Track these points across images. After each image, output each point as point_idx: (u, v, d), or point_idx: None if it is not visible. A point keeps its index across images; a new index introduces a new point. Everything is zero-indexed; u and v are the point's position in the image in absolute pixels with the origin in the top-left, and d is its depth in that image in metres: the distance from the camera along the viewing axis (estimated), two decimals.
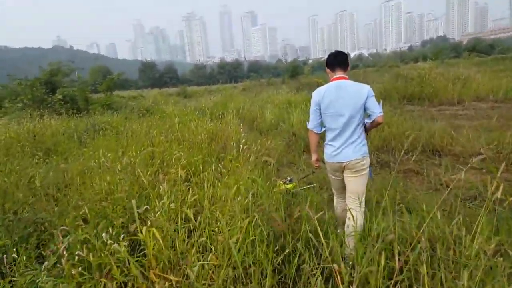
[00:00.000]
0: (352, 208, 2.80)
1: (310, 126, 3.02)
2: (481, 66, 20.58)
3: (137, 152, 4.59)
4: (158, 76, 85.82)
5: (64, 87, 15.62)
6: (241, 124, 8.22)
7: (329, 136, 2.95)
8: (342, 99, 2.79)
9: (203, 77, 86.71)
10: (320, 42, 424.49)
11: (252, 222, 2.23)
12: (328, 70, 3.01)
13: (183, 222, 2.40)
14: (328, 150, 2.97)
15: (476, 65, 24.20)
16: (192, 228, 2.42)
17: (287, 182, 4.57)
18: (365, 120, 2.94)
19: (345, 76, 2.91)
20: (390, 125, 6.83)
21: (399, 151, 5.91)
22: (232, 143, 5.82)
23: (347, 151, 2.84)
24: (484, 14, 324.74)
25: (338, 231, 3.00)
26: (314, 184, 4.67)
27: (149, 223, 2.17)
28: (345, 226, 2.84)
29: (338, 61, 2.93)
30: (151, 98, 23.32)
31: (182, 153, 4.92)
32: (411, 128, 6.34)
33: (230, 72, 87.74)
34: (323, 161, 3.13)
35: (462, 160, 5.18)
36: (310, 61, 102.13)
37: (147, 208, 2.33)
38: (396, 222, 2.33)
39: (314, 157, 3.20)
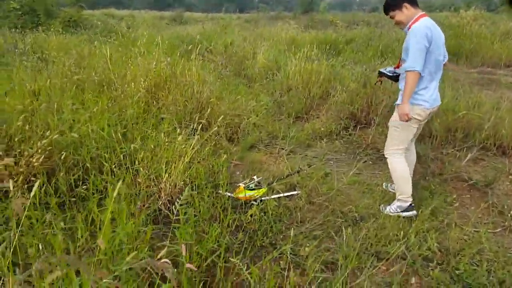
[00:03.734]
0: (413, 148, 2.88)
1: (419, 67, 2.35)
2: None
3: None
4: None
5: None
6: (218, 67, 6.01)
7: (426, 79, 2.50)
8: (441, 37, 2.50)
9: (209, 3, 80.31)
10: None
11: None
12: (408, 6, 2.52)
13: None
14: (426, 95, 2.51)
15: None
16: None
17: (252, 185, 2.66)
18: None
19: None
20: None
21: (443, 142, 3.81)
22: (179, 103, 3.71)
23: (438, 93, 2.64)
24: None
25: None
26: (299, 192, 2.72)
27: None
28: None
29: None
30: (141, 21, 20.45)
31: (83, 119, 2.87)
32: (465, 105, 4.09)
33: (240, 1, 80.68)
34: None
35: None
36: None
37: None
38: None
39: (409, 107, 2.45)
